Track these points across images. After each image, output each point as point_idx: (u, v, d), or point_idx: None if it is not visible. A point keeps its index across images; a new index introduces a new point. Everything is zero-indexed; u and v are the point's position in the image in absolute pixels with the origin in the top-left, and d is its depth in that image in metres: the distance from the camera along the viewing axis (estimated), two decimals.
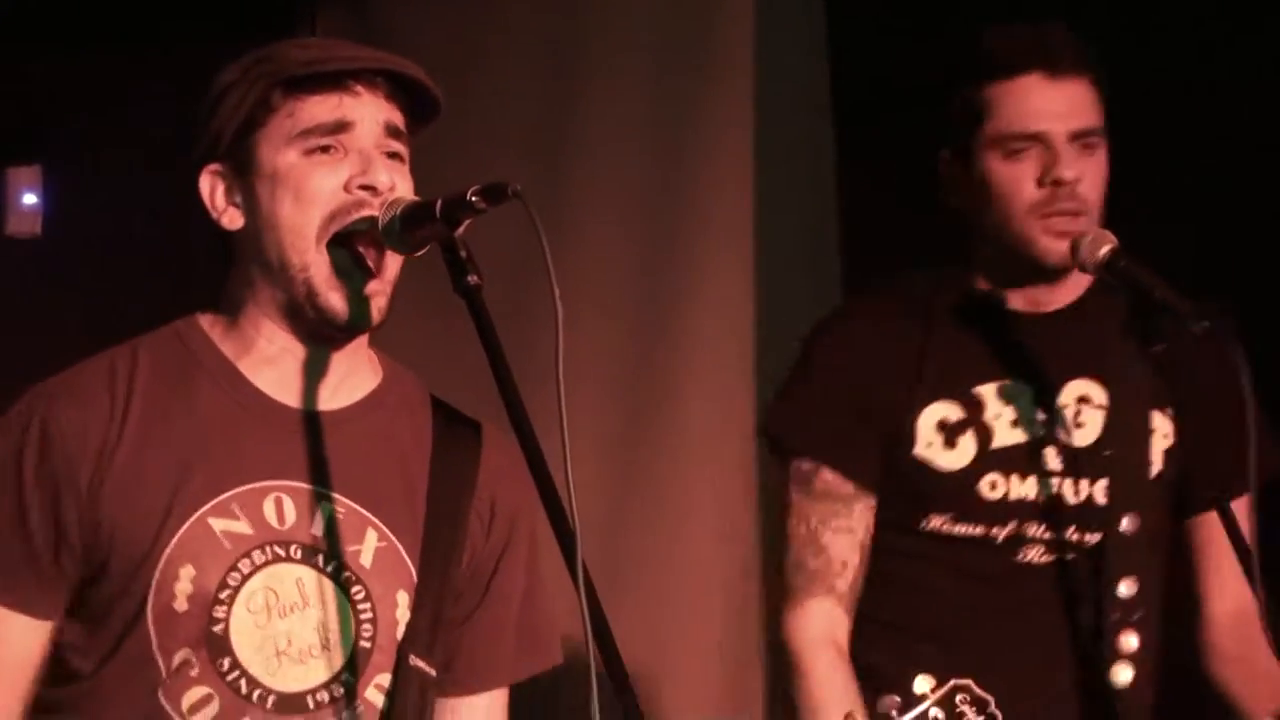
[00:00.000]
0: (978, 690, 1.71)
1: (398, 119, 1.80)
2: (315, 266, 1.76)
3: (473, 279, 1.63)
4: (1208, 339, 2.08)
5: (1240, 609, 2.43)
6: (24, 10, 4.23)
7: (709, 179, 3.62)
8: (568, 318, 1.51)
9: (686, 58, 3.69)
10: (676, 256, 3.65)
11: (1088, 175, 2.28)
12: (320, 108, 1.78)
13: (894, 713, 1.75)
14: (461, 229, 1.66)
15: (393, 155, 1.78)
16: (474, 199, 1.63)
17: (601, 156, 3.70)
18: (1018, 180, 2.29)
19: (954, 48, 2.46)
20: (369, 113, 1.79)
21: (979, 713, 1.77)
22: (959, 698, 1.77)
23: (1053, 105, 2.30)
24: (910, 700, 1.71)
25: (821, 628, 2.38)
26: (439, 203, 1.66)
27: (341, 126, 1.77)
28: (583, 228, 3.60)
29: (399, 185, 1.75)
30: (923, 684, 1.71)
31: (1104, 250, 2.21)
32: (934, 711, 1.78)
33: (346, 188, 1.73)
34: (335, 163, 1.77)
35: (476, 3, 3.94)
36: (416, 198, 1.75)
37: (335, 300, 1.76)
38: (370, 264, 1.72)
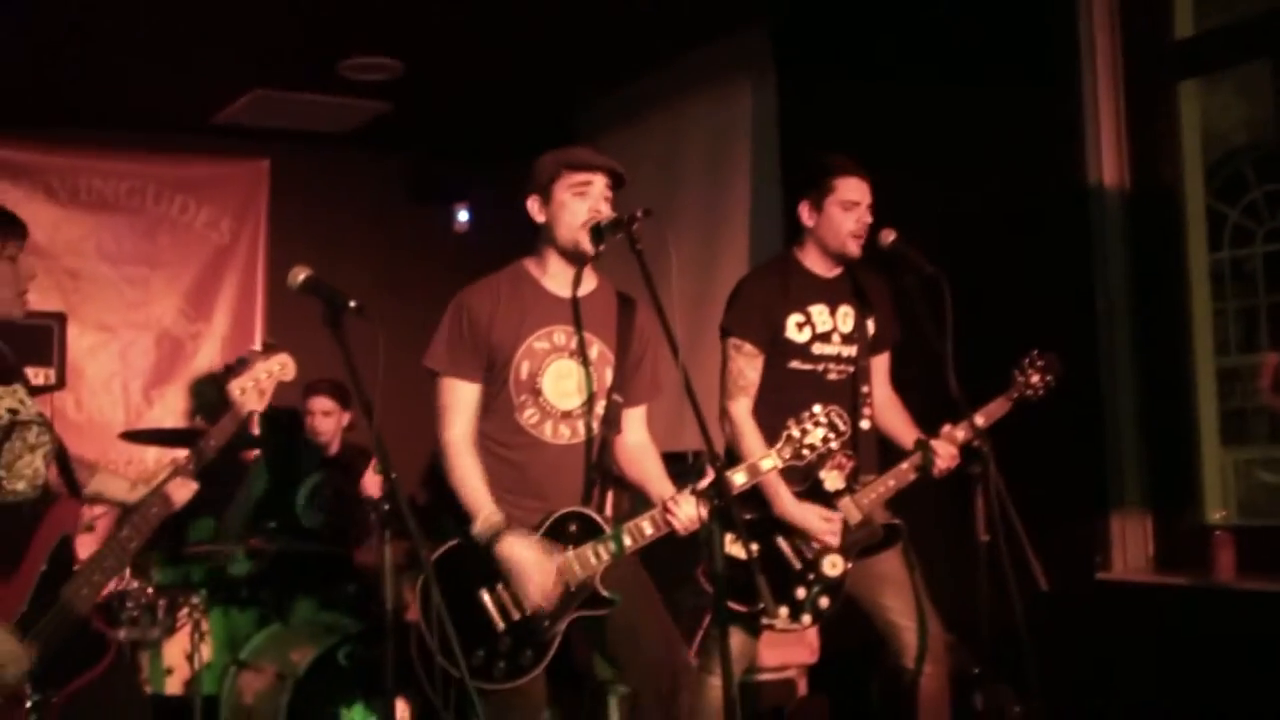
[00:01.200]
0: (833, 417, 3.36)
1: (609, 184, 3.32)
2: (579, 237, 3.26)
3: (640, 246, 3.07)
4: (929, 282, 3.61)
5: (887, 393, 4.04)
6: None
7: (730, 210, 6.18)
8: (672, 268, 2.99)
9: (720, 161, 6.29)
10: (717, 245, 6.17)
11: (869, 221, 3.84)
12: (582, 178, 3.30)
13: (793, 429, 3.34)
14: (635, 226, 3.12)
15: (607, 200, 3.30)
16: (639, 214, 3.13)
17: (684, 200, 6.39)
18: (846, 217, 3.84)
19: (817, 163, 3.91)
20: (599, 182, 3.31)
21: (833, 424, 3.36)
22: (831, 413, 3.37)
23: (862, 191, 3.84)
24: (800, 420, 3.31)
25: (746, 410, 3.81)
26: (625, 216, 3.16)
27: (588, 185, 3.29)
28: (680, 226, 6.19)
29: (608, 210, 3.28)
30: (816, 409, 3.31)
31: (890, 238, 3.79)
32: (821, 415, 3.34)
33: (588, 211, 3.25)
34: (584, 199, 3.28)
35: (631, 137, 6.74)
36: (615, 214, 3.26)
37: (587, 248, 3.25)
38: (600, 235, 3.22)
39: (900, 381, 4.13)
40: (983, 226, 4.73)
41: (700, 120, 6.43)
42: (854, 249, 3.86)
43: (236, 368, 3.18)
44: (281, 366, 3.21)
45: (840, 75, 5.50)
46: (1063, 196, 4.57)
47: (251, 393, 3.16)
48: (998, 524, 3.48)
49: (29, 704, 2.85)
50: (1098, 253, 4.54)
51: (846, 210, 3.84)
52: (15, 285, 2.97)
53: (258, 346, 3.24)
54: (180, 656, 5.04)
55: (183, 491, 3.08)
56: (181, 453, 3.15)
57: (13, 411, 2.96)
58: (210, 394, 7.15)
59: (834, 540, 3.77)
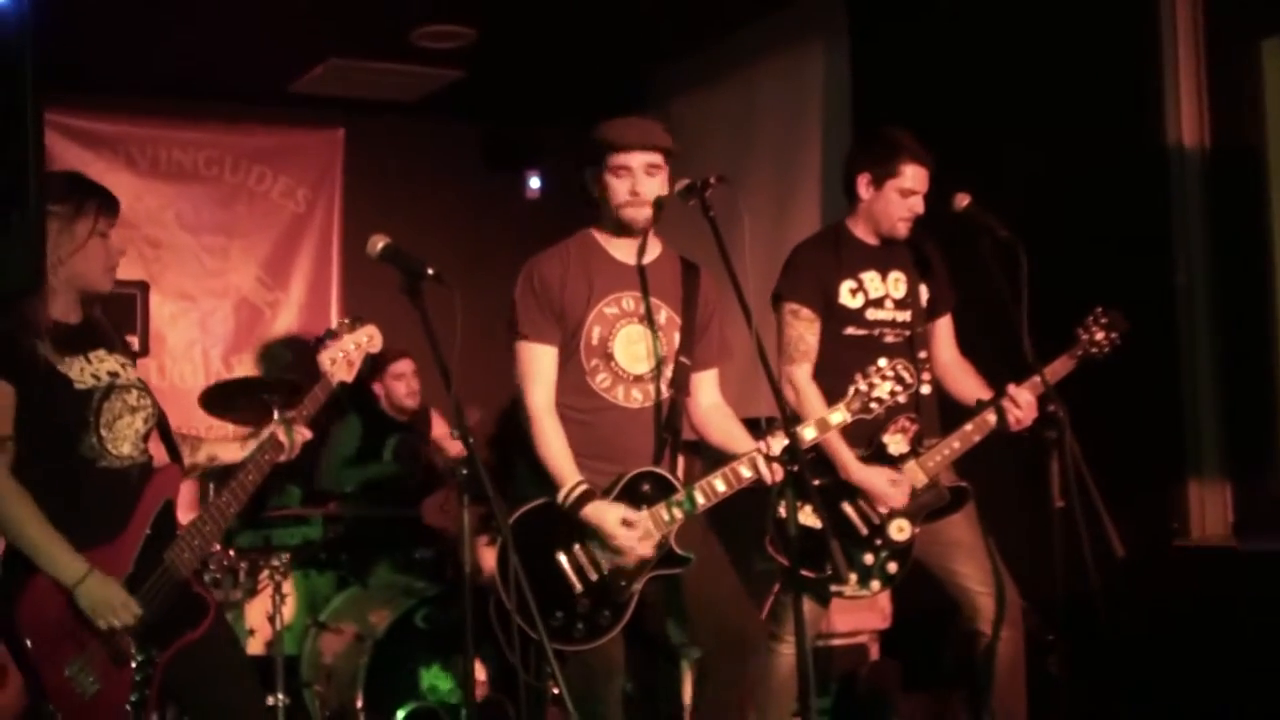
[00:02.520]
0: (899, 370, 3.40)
1: (656, 159, 3.32)
2: (622, 215, 3.32)
3: (711, 213, 3.14)
4: (1005, 246, 3.58)
5: (951, 355, 4.01)
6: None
7: (803, 176, 6.22)
8: (744, 233, 3.00)
9: (793, 126, 6.30)
10: (789, 210, 6.16)
11: (920, 211, 3.84)
12: (620, 160, 3.31)
13: (860, 384, 3.39)
14: (709, 193, 3.17)
15: (651, 174, 3.32)
16: (712, 180, 3.17)
17: (757, 165, 6.43)
18: (901, 204, 3.83)
19: (888, 140, 3.88)
20: (637, 161, 3.32)
21: (899, 376, 3.40)
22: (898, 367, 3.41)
23: (923, 181, 3.84)
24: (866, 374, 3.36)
25: (806, 375, 3.83)
26: (698, 181, 3.20)
27: (626, 167, 3.32)
28: (752, 192, 6.15)
29: (653, 189, 3.31)
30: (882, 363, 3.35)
31: (964, 203, 3.73)
32: (888, 369, 3.37)
33: (628, 193, 3.29)
34: (624, 180, 3.31)
35: (704, 101, 6.83)
36: (688, 180, 3.23)
37: (633, 226, 3.34)
38: (660, 209, 3.31)
39: (969, 347, 4.08)
40: (1059, 189, 4.70)
41: (773, 84, 6.43)
42: (902, 232, 3.85)
43: (325, 340, 3.26)
44: (369, 338, 3.29)
45: (913, 39, 5.48)
46: (1142, 157, 4.53)
47: (341, 364, 3.25)
48: (1073, 490, 3.44)
49: (134, 663, 2.94)
50: (1177, 214, 4.49)
51: (904, 197, 3.82)
52: (106, 261, 3.01)
53: (345, 319, 3.31)
54: (262, 618, 5.15)
55: (298, 439, 3.21)
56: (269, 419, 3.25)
57: (113, 374, 3.01)
58: (287, 360, 7.25)
59: (901, 503, 3.75)
